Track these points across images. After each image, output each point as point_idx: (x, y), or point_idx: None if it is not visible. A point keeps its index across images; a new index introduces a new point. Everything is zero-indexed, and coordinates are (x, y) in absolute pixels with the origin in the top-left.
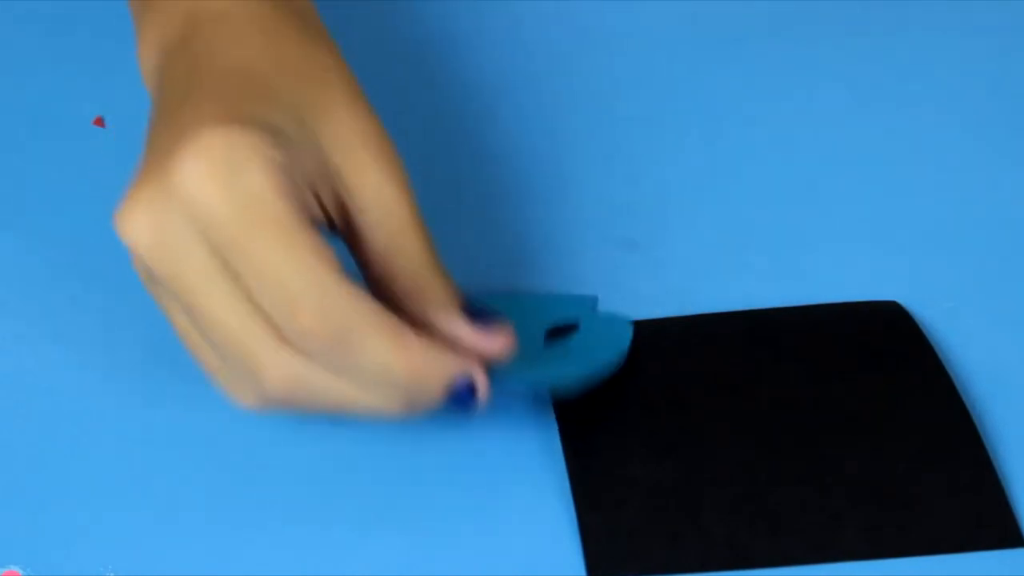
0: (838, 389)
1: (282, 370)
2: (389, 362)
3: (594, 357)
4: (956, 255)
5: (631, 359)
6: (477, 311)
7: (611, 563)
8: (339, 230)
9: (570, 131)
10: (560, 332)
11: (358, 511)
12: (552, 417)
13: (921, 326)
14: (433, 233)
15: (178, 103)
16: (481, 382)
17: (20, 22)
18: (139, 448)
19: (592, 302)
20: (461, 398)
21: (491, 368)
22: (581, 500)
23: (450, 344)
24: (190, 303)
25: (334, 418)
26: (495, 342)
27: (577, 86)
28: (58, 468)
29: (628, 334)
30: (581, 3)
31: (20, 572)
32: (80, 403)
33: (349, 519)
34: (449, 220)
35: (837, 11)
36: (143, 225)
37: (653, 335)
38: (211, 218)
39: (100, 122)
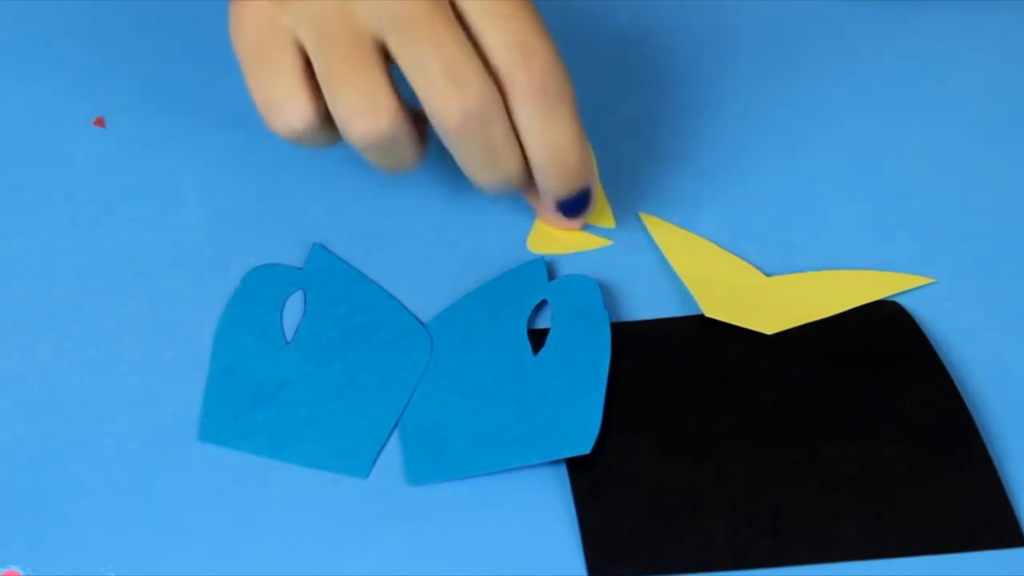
0: (838, 389)
1: (486, 90)
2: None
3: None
4: (956, 254)
5: (631, 359)
6: None
7: (611, 563)
8: None
9: None
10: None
11: (358, 510)
12: None
13: (921, 326)
14: (431, 229)
15: None
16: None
17: (20, 22)
18: (139, 448)
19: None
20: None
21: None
22: (581, 500)
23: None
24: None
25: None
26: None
27: (576, 86)
28: (58, 468)
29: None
30: (583, 3)
31: (20, 572)
32: (80, 403)
33: (349, 518)
34: (449, 218)
35: (837, 11)
36: None
37: (654, 334)
38: None
39: (100, 122)
